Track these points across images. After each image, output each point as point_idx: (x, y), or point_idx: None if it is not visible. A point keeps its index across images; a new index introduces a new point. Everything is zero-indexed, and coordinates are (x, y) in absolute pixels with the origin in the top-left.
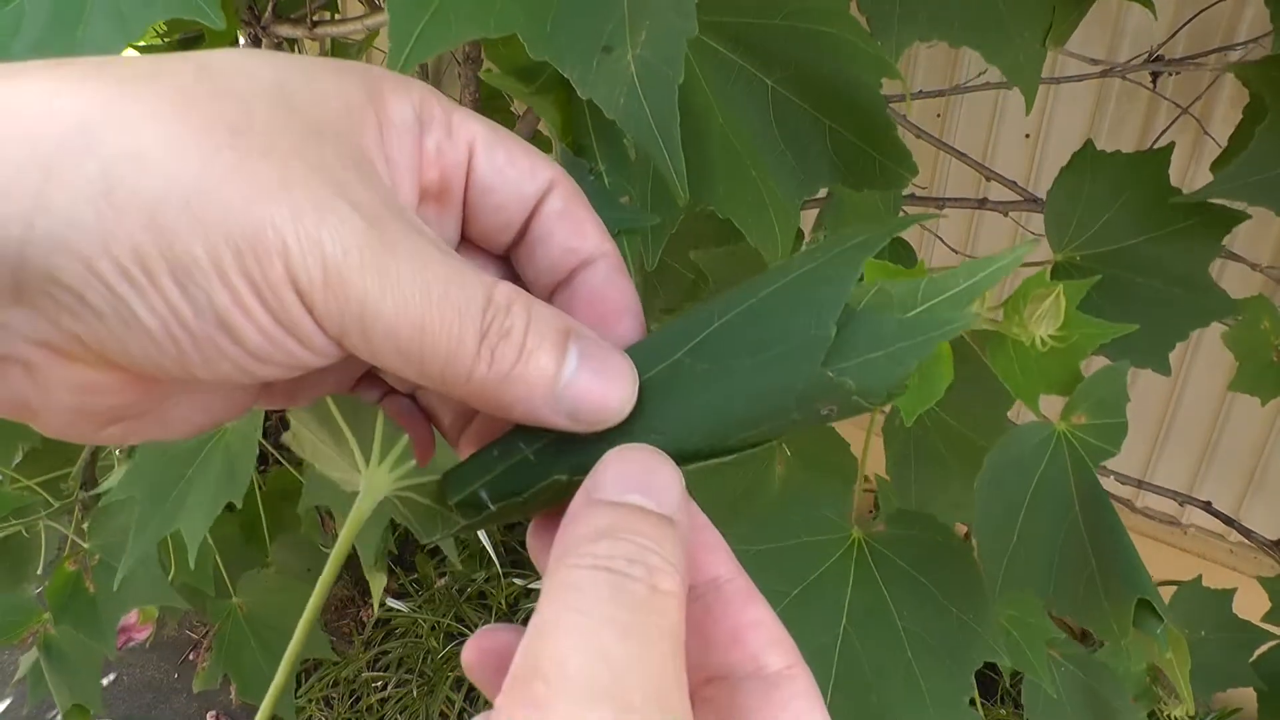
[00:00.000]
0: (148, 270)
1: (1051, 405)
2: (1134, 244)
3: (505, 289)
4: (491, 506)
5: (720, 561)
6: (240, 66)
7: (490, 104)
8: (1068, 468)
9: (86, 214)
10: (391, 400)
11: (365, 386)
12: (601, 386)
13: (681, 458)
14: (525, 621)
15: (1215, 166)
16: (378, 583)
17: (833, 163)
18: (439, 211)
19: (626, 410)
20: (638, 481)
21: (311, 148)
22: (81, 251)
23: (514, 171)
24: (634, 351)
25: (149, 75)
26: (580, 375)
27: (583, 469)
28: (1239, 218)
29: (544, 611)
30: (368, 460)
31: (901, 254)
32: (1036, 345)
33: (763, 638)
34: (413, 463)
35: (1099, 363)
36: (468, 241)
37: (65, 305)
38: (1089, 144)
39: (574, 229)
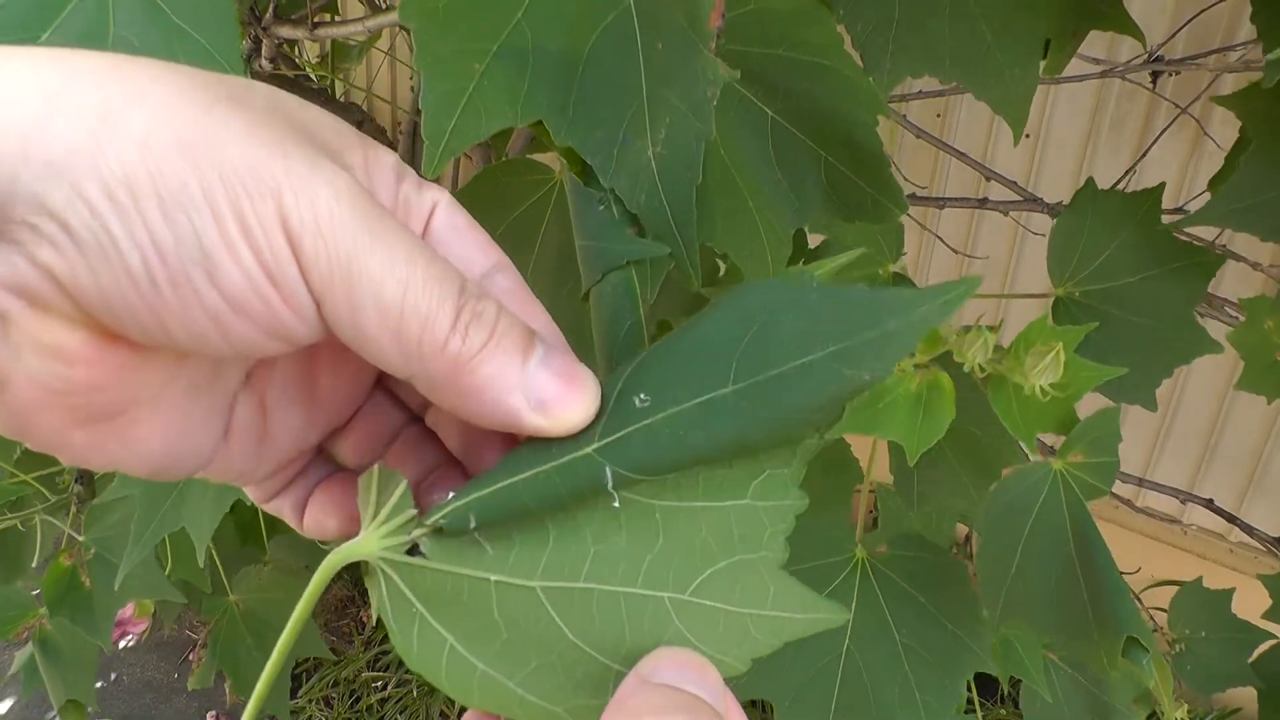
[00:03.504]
0: (134, 194)
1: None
2: (1129, 282)
3: (476, 284)
4: (476, 527)
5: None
6: (241, 80)
7: None
8: (1063, 505)
9: (80, 135)
10: (403, 440)
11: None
12: (568, 385)
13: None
14: None
15: (1212, 185)
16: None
17: (826, 194)
18: None
19: (589, 417)
20: (695, 676)
21: (305, 141)
22: (71, 174)
23: (470, 236)
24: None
25: (160, 62)
26: (547, 367)
27: (577, 492)
28: (1221, 260)
29: None
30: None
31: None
32: (1036, 394)
33: None
34: (406, 537)
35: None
36: None
37: (47, 235)
38: (1090, 183)
39: (523, 307)
